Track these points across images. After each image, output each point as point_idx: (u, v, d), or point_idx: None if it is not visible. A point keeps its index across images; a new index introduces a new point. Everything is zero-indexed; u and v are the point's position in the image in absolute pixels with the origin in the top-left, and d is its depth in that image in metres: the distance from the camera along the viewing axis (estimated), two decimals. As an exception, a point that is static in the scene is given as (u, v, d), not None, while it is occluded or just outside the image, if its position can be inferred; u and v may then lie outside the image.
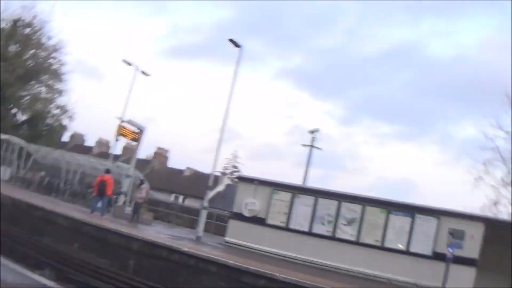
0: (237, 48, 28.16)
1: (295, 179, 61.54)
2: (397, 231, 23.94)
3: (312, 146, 37.83)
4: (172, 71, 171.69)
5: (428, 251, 23.08)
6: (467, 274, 21.57)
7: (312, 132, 37.71)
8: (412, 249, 23.44)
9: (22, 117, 64.56)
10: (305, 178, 36.72)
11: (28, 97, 62.96)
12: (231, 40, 27.68)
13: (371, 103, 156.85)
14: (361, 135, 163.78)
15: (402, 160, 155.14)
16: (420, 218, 23.64)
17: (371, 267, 23.62)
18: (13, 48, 60.94)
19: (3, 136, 44.17)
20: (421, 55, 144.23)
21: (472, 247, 22.11)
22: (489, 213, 38.89)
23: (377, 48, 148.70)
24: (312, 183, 37.92)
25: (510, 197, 40.00)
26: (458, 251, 21.58)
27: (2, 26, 59.32)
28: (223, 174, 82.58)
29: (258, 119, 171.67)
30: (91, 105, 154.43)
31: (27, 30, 62.07)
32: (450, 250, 21.10)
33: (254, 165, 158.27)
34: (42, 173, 40.11)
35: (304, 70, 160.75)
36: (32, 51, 62.14)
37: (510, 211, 40.23)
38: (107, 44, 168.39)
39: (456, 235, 22.41)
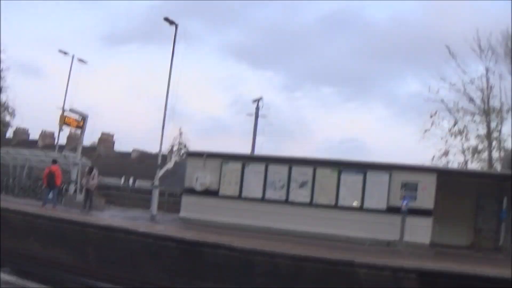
0: (173, 26, 28.13)
1: (244, 150, 61.65)
2: (350, 189, 24.11)
3: (256, 115, 37.92)
4: (110, 57, 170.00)
5: (382, 206, 23.31)
6: (424, 225, 21.87)
7: (255, 101, 37.78)
8: (366, 205, 23.67)
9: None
10: (253, 148, 36.89)
11: (-36, 99, 62.04)
12: (166, 19, 27.69)
13: (312, 69, 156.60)
14: (305, 99, 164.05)
15: (349, 121, 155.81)
16: (372, 175, 23.85)
17: (328, 227, 23.63)
18: None
19: None
20: (358, 19, 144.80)
21: (426, 198, 22.43)
22: (440, 164, 39.50)
23: (314, 15, 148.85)
24: (261, 152, 38.03)
25: (461, 146, 40.73)
26: (413, 203, 21.95)
27: None
28: (171, 152, 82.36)
29: (202, 95, 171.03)
30: (33, 99, 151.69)
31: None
32: (404, 202, 21.42)
33: (202, 143, 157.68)
34: (-11, 172, 39.66)
35: (244, 44, 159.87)
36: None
37: (460, 160, 40.93)
38: (41, 38, 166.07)
39: (409, 188, 22.80)
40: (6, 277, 10.12)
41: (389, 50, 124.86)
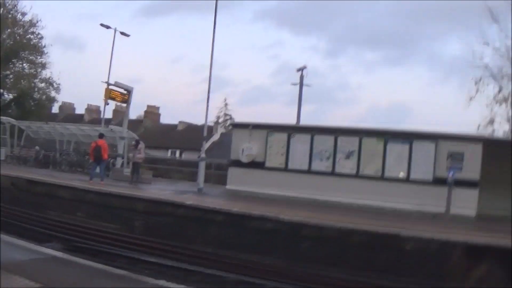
0: (213, -6, 27.95)
1: (289, 119, 61.54)
2: (396, 159, 23.97)
3: (301, 84, 37.66)
4: (151, 28, 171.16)
5: (428, 176, 23.15)
6: (470, 196, 21.68)
7: (299, 70, 37.53)
8: (412, 176, 23.54)
9: (8, 96, 64.38)
10: (298, 117, 36.72)
11: (11, 76, 62.71)
12: (205, -13, 27.52)
13: (354, 31, 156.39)
14: (348, 65, 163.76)
15: (392, 85, 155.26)
16: (418, 144, 23.66)
17: (374, 199, 23.62)
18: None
19: (-9, 118, 44.11)
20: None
21: (472, 169, 22.21)
22: (485, 132, 38.81)
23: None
24: (306, 121, 37.99)
25: (506, 114, 39.88)
26: (459, 174, 21.69)
27: None
28: (216, 123, 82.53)
29: (245, 64, 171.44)
30: (77, 74, 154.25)
31: (0, 11, 61.56)
32: (451, 173, 21.18)
33: (246, 111, 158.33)
34: (37, 148, 39.98)
35: (283, 8, 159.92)
36: (8, 31, 61.70)
37: (505, 129, 40.16)
38: (83, 14, 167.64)
39: (456, 158, 22.51)
40: (54, 252, 10.12)
41: (433, 11, 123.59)
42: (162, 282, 8.10)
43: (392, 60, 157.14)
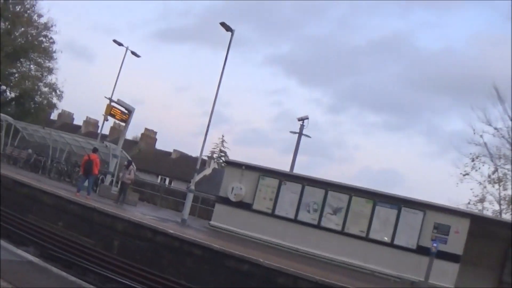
0: (228, 32, 28.01)
1: (282, 166, 61.54)
2: (382, 222, 23.94)
3: (300, 134, 37.71)
4: (162, 53, 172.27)
5: (412, 244, 23.10)
6: (450, 270, 21.71)
7: (301, 119, 37.58)
8: (396, 242, 23.47)
9: (10, 94, 64.54)
10: (292, 165, 36.66)
11: (17, 75, 62.94)
12: (222, 24, 27.50)
13: (359, 92, 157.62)
14: (348, 123, 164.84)
15: (389, 150, 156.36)
16: (406, 211, 23.64)
17: (356, 258, 23.66)
18: (2, 25, 60.85)
19: (-10, 113, 44.13)
20: (410, 47, 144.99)
21: (456, 243, 22.27)
22: (475, 209, 38.87)
23: (366, 38, 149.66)
24: (298, 170, 37.85)
25: (498, 195, 39.94)
26: (443, 246, 21.71)
27: None
28: (210, 158, 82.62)
29: (247, 104, 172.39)
30: (81, 84, 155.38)
31: (18, 8, 61.97)
32: (435, 244, 21.18)
33: (241, 151, 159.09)
34: (29, 151, 39.95)
35: (294, 57, 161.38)
36: (22, 29, 62.08)
37: (495, 208, 40.17)
38: (98, 24, 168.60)
39: (441, 230, 22.60)
40: (29, 257, 10.07)
41: (437, 83, 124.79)
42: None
43: (392, 125, 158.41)
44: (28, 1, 62.91)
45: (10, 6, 61.43)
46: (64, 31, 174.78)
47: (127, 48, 36.75)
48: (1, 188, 24.73)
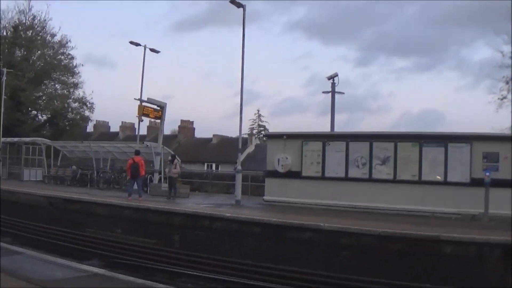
0: (240, 9, 27.85)
1: (323, 128, 61.40)
2: (432, 162, 23.72)
3: (333, 92, 37.45)
4: (182, 44, 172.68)
5: (465, 178, 22.86)
6: (507, 196, 21.24)
7: (330, 77, 37.28)
8: (449, 179, 23.23)
9: (42, 117, 65.20)
10: (332, 126, 36.43)
11: (44, 97, 63.50)
12: (232, 1, 27.30)
13: (383, 40, 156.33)
14: (379, 73, 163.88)
15: (424, 91, 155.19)
16: (452, 146, 23.37)
17: (412, 203, 23.50)
18: (18, 53, 61.36)
19: (27, 139, 44.55)
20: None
21: (508, 168, 21.92)
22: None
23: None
24: (341, 129, 37.75)
25: None
26: (495, 174, 21.45)
27: (3, 34, 59.99)
28: (251, 135, 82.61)
29: (275, 76, 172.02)
30: (110, 91, 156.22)
31: (29, 33, 62.42)
32: (487, 174, 20.94)
33: (279, 122, 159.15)
34: (73, 167, 40.23)
35: (311, 18, 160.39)
36: (38, 52, 62.46)
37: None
38: (113, 31, 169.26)
39: (491, 158, 22.31)
40: (95, 269, 10.15)
41: (457, 15, 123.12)
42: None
43: (422, 66, 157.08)
44: (38, 23, 63.38)
45: (21, 33, 61.90)
46: (82, 44, 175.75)
47: (145, 47, 36.66)
48: (53, 209, 25.06)
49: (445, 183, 23.27)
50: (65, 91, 64.11)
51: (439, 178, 23.42)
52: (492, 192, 20.60)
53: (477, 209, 21.34)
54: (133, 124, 75.60)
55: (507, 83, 39.32)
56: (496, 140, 23.10)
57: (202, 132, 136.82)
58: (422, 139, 24.12)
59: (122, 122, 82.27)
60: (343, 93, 37.92)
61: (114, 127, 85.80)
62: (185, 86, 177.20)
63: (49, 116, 63.57)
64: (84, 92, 65.43)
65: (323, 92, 37.25)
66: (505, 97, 39.38)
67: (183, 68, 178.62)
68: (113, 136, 77.57)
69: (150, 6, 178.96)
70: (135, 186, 27.47)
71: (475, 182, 22.11)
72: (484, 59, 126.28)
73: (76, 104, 64.80)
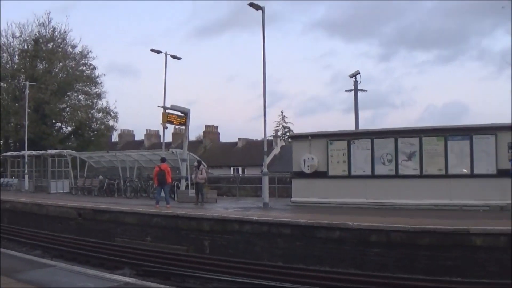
0: (259, 11, 27.87)
1: (348, 126, 61.40)
2: (458, 155, 23.62)
3: (356, 90, 37.39)
4: (203, 50, 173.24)
5: (492, 169, 22.77)
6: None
7: (353, 75, 37.25)
8: (476, 171, 23.15)
9: (67, 129, 65.62)
10: (356, 123, 36.37)
11: (68, 109, 63.95)
12: (251, 4, 27.33)
13: (403, 34, 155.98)
14: (401, 67, 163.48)
15: (447, 84, 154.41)
16: (478, 138, 23.27)
17: (440, 197, 23.44)
18: (40, 66, 61.80)
19: (53, 152, 44.81)
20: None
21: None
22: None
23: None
24: (366, 126, 37.66)
25: None
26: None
27: (24, 47, 60.57)
28: (276, 136, 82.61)
29: (298, 76, 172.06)
30: (134, 100, 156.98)
31: (50, 46, 62.88)
32: (513, 164, 20.84)
33: (304, 122, 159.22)
34: (100, 177, 40.37)
35: (331, 16, 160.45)
36: (60, 64, 62.92)
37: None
38: (135, 40, 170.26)
39: (516, 148, 22.15)
40: (126, 279, 10.17)
41: (475, 5, 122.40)
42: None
43: (443, 58, 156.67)
44: (58, 35, 63.84)
45: (42, 46, 62.35)
46: (104, 54, 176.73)
47: (166, 54, 36.76)
48: (83, 220, 25.22)
49: (472, 175, 23.18)
50: (89, 102, 64.69)
51: (465, 171, 23.33)
52: (519, 181, 20.50)
53: (505, 200, 21.29)
54: (158, 131, 76.05)
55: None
56: (521, 129, 22.88)
57: (227, 136, 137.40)
58: (446, 133, 24.03)
59: (147, 130, 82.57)
60: (366, 90, 37.81)
61: (139, 136, 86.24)
62: (209, 91, 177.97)
63: (74, 127, 64.02)
64: (107, 101, 66.14)
65: (346, 91, 37.24)
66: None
67: (205, 73, 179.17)
68: (139, 145, 77.91)
69: (171, 13, 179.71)
70: (163, 194, 27.50)
71: (502, 173, 22.04)
72: (506, 48, 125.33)
73: (100, 114, 65.36)
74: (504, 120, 23.86)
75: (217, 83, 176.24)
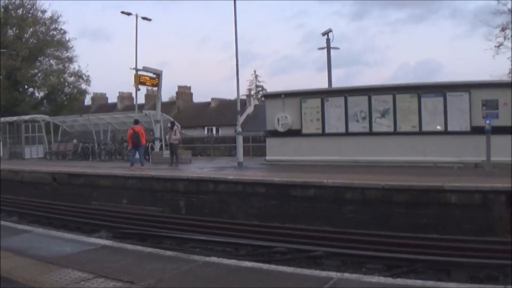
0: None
1: (322, 85, 61.57)
2: (432, 113, 23.73)
3: (328, 48, 37.36)
4: (176, 11, 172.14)
5: (466, 127, 22.93)
6: (509, 142, 21.15)
7: (325, 33, 37.16)
8: (450, 128, 23.31)
9: (39, 94, 65.29)
10: (329, 81, 36.36)
11: (40, 74, 63.58)
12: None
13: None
14: (374, 26, 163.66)
15: (420, 42, 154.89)
16: (451, 95, 23.36)
17: (414, 154, 23.62)
18: (10, 33, 61.30)
19: (26, 117, 44.54)
20: None
21: (508, 115, 21.93)
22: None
23: None
24: (340, 84, 37.76)
25: None
26: (496, 121, 21.48)
27: None
28: (249, 96, 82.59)
29: (271, 36, 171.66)
30: (107, 64, 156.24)
31: (20, 12, 62.31)
32: (487, 121, 20.97)
33: (278, 81, 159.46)
34: (74, 141, 40.28)
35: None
36: (30, 30, 62.42)
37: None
38: (106, 3, 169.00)
39: (490, 105, 22.32)
40: (103, 241, 10.23)
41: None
42: (213, 259, 8.11)
43: (417, 17, 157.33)
44: (27, 1, 63.27)
45: (12, 12, 61.79)
46: (76, 18, 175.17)
47: (136, 15, 36.52)
48: (58, 185, 25.24)
49: (446, 132, 23.35)
50: (60, 66, 64.31)
51: (439, 128, 23.47)
52: (493, 139, 20.70)
53: (479, 157, 21.51)
54: (131, 94, 75.72)
55: (503, 30, 39.21)
56: (495, 87, 23.09)
57: (200, 96, 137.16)
58: (420, 90, 24.12)
59: (120, 92, 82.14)
60: (339, 48, 38.03)
61: (112, 98, 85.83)
62: (182, 53, 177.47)
63: (47, 92, 63.64)
64: (79, 65, 66.03)
65: (319, 49, 37.27)
66: (501, 44, 39.33)
67: (179, 35, 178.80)
68: (112, 108, 77.63)
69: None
70: (137, 156, 27.51)
71: (476, 130, 22.19)
72: (478, 7, 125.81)
73: (72, 78, 64.94)
74: (477, 77, 24.03)
75: (190, 45, 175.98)
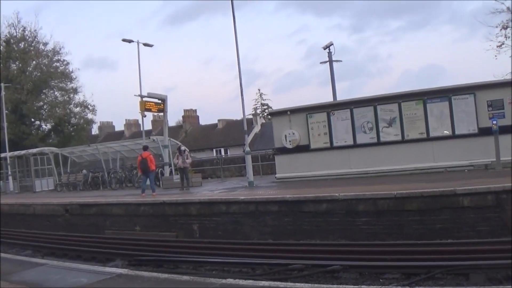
0: (228, -9, 27.79)
1: (326, 99, 61.57)
2: (438, 118, 23.77)
3: (330, 61, 37.41)
4: (178, 36, 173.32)
5: (473, 129, 23.01)
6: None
7: (326, 47, 37.24)
8: (458, 131, 23.40)
9: (47, 126, 65.51)
10: (334, 94, 36.39)
11: (45, 106, 63.78)
12: (219, -15, 27.39)
13: (374, 3, 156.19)
14: (375, 36, 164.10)
15: (422, 48, 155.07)
16: (456, 99, 23.42)
17: (424, 161, 23.66)
18: (14, 67, 61.55)
19: (35, 150, 44.66)
20: None
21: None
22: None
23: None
24: (344, 97, 37.75)
25: None
26: (502, 121, 21.46)
27: None
28: (255, 115, 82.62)
29: (274, 54, 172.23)
30: (113, 92, 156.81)
31: (22, 45, 62.59)
32: (494, 122, 20.93)
33: (283, 98, 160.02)
34: (84, 171, 40.34)
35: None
36: (33, 63, 62.74)
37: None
38: (110, 33, 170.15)
39: (496, 105, 22.31)
40: (118, 270, 10.21)
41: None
42: (229, 281, 8.09)
43: (416, 24, 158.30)
44: (29, 34, 63.54)
45: (14, 46, 62.06)
46: (80, 49, 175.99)
47: (138, 42, 36.63)
48: (70, 216, 25.24)
49: (454, 136, 23.38)
50: (66, 97, 64.60)
51: (447, 132, 23.49)
52: (501, 139, 20.65)
53: (489, 158, 21.45)
54: (137, 120, 76.03)
55: (503, 28, 39.16)
56: (499, 87, 23.07)
57: (207, 118, 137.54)
58: (425, 96, 24.17)
59: (126, 120, 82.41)
60: (341, 61, 38.04)
61: (119, 126, 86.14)
62: (186, 76, 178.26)
63: (53, 124, 63.78)
64: (84, 95, 66.42)
65: (321, 63, 37.33)
66: (502, 43, 39.29)
67: (182, 59, 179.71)
68: (119, 135, 77.82)
69: (143, 3, 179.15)
70: (148, 182, 27.51)
71: (483, 132, 22.28)
72: (476, 8, 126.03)
73: (78, 109, 65.34)
74: (481, 79, 24.02)
75: (194, 68, 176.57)
